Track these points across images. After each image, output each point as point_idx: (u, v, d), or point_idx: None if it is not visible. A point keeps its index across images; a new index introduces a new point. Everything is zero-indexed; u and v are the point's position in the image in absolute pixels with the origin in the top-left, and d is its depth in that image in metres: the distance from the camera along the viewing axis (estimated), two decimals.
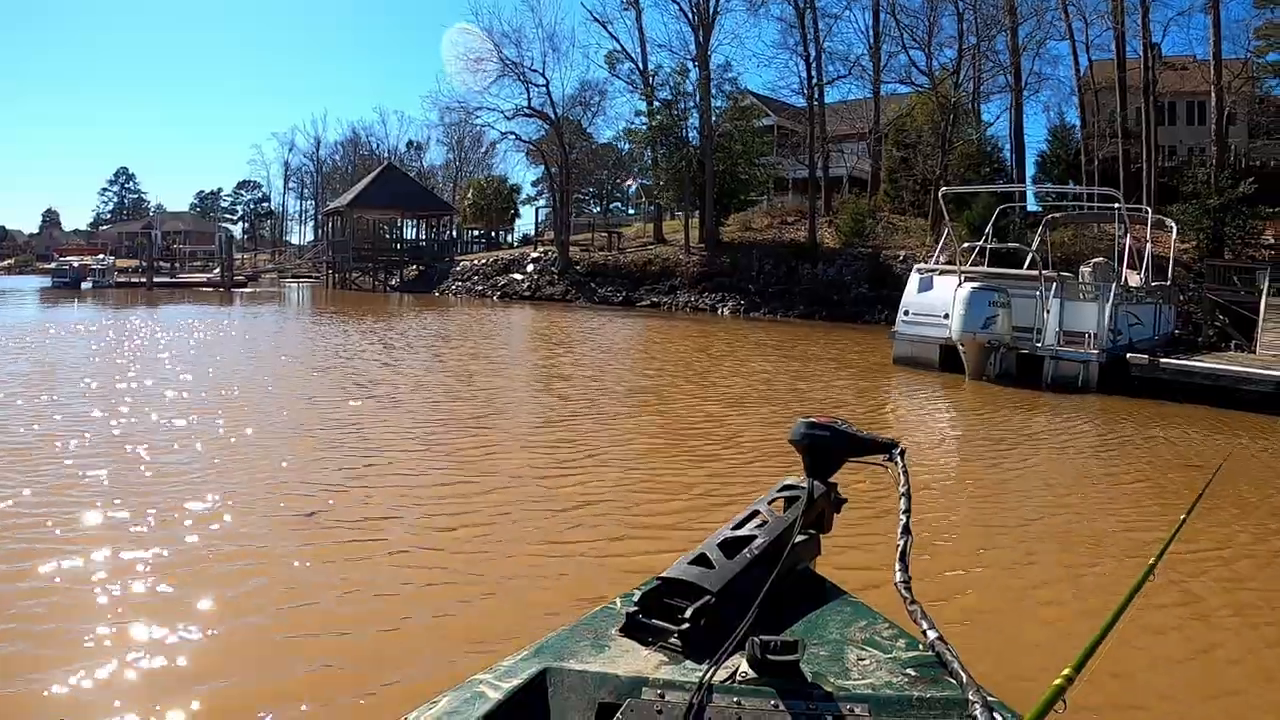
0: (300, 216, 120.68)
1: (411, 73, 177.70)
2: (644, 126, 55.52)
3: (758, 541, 2.60)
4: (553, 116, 56.23)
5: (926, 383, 20.93)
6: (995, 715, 1.83)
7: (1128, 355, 20.41)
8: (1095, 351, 20.30)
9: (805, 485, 2.99)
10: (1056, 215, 32.19)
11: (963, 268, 22.96)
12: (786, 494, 2.99)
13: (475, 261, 60.21)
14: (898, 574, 2.59)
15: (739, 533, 2.66)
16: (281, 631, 5.85)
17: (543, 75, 54.96)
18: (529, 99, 55.67)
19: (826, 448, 3.09)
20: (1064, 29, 49.50)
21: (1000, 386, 20.25)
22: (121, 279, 58.73)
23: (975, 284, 21.26)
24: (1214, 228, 36.87)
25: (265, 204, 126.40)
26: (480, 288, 55.49)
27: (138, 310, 35.61)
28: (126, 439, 11.07)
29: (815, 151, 50.89)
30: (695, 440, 12.55)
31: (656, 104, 53.76)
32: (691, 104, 53.04)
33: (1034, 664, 5.54)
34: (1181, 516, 3.08)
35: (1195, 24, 53.53)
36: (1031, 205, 43.41)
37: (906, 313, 23.44)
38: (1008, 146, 51.41)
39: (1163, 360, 19.94)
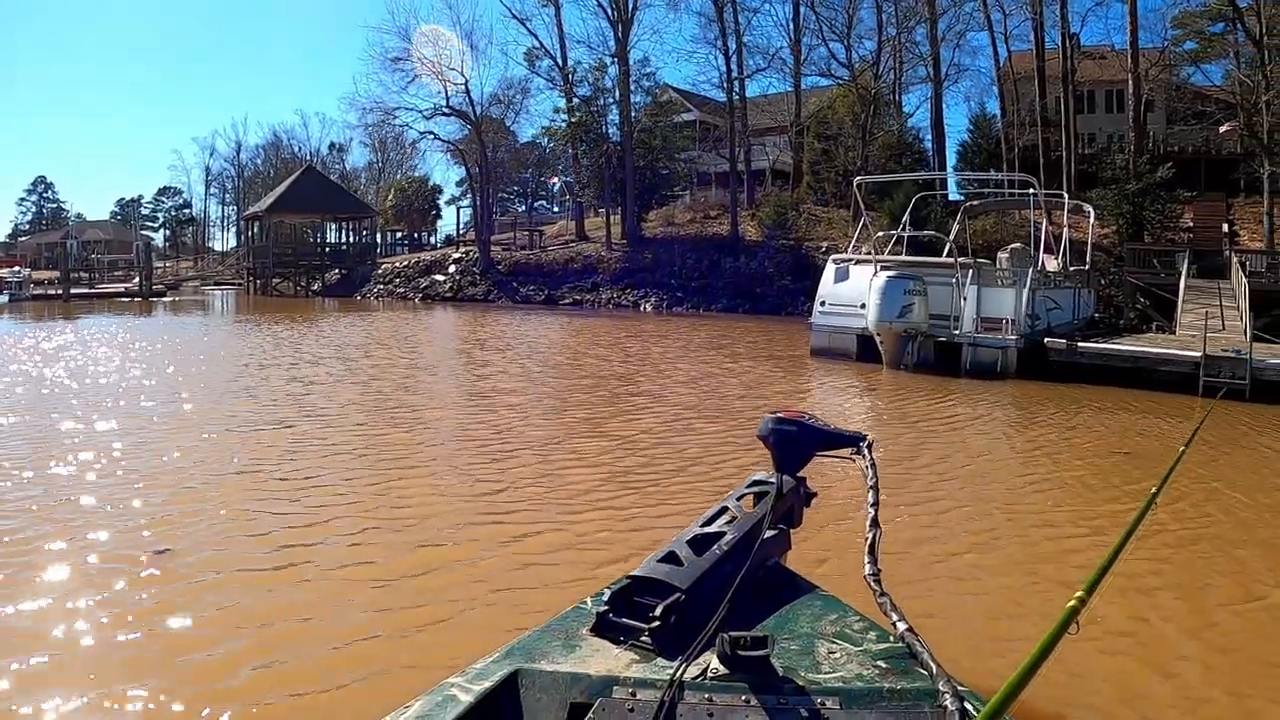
0: (223, 222, 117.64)
1: (332, 74, 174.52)
2: (563, 124, 54.92)
3: (727, 538, 2.65)
4: (472, 115, 55.34)
5: (844, 374, 20.43)
6: (966, 705, 1.89)
7: (1045, 340, 20.10)
8: (1013, 337, 20.02)
9: (774, 480, 3.06)
10: (975, 203, 31.98)
11: (879, 257, 22.58)
12: (756, 489, 3.06)
13: (397, 264, 59.43)
14: (867, 567, 2.67)
15: (708, 529, 2.72)
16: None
17: (461, 74, 54.10)
18: (447, 98, 54.89)
19: (794, 442, 3.21)
20: (983, 20, 49.90)
21: (918, 375, 19.88)
22: (38, 291, 56.89)
23: (891, 273, 20.93)
24: (1133, 212, 37.00)
25: (187, 210, 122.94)
26: (402, 290, 54.69)
27: (52, 323, 33.80)
28: None
29: (736, 145, 50.71)
30: (648, 473, 10.23)
31: (576, 101, 53.23)
32: (611, 100, 52.74)
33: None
34: (1181, 448, 3.07)
35: (1113, 14, 54.39)
36: (954, 194, 43.45)
37: (823, 304, 23.05)
38: (929, 137, 51.64)
39: (1080, 344, 19.69)
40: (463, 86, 54.56)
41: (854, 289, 22.11)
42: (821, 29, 50.54)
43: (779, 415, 3.33)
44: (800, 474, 3.25)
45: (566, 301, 46.81)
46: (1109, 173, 39.13)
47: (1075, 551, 7.77)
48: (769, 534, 2.80)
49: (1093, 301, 28.20)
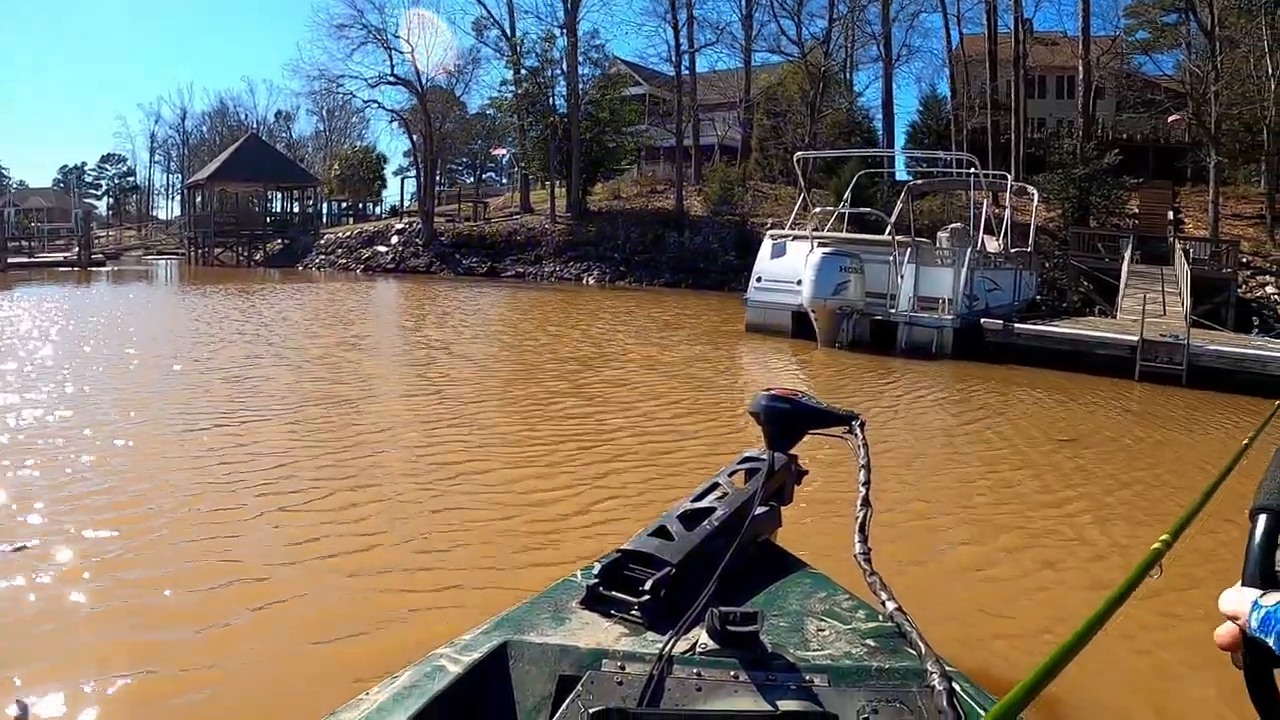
0: (167, 191, 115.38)
1: (280, 40, 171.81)
2: (510, 95, 54.08)
3: (718, 513, 2.60)
4: (418, 85, 54.36)
5: (776, 350, 20.07)
6: (954, 685, 1.85)
7: (982, 320, 19.79)
8: (950, 317, 19.74)
9: (766, 457, 3.01)
10: (918, 182, 31.75)
11: (816, 233, 22.25)
12: (747, 466, 3.01)
13: (340, 234, 58.25)
14: (857, 545, 2.61)
15: (699, 505, 2.66)
16: None
17: (407, 41, 53.05)
18: (391, 66, 53.86)
19: (787, 419, 3.17)
20: (936, 1, 49.66)
21: (852, 353, 19.55)
22: None
23: (827, 250, 20.54)
24: (1079, 197, 37.18)
25: (130, 178, 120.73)
26: (344, 261, 53.64)
27: None
28: None
29: (683, 119, 50.37)
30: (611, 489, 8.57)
31: (523, 72, 52.33)
32: (559, 72, 51.79)
33: None
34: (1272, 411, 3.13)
35: (1066, 0, 54.41)
36: (901, 174, 43.40)
37: (759, 280, 22.68)
38: (879, 117, 51.61)
39: (1017, 325, 19.44)
40: (409, 55, 53.67)
41: (790, 265, 21.72)
42: (772, 4, 50.29)
43: (772, 392, 3.25)
44: (792, 451, 3.20)
45: (509, 274, 46.23)
46: (1056, 157, 39.20)
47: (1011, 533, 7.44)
48: (760, 511, 2.73)
49: (1035, 284, 28.19)
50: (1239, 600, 0.97)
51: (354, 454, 9.49)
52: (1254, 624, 0.93)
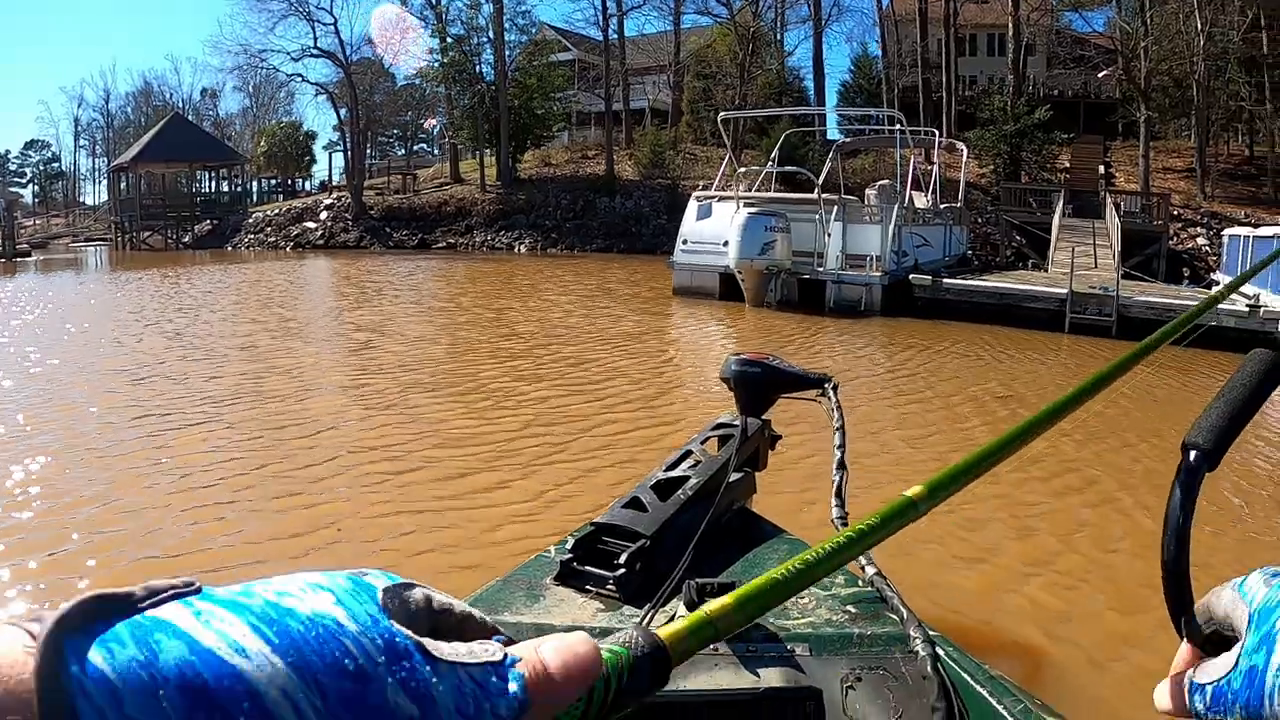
0: (94, 176, 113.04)
1: (202, 16, 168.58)
2: (436, 64, 53.06)
3: (691, 482, 2.51)
4: (342, 57, 53.31)
5: (705, 313, 19.64)
6: (938, 650, 1.86)
7: (910, 276, 19.53)
8: (878, 274, 19.43)
9: (739, 423, 2.95)
10: (846, 140, 31.53)
11: (741, 194, 21.89)
12: (719, 433, 2.95)
13: (268, 212, 56.98)
14: (834, 510, 2.57)
15: (672, 474, 2.59)
16: None
17: (330, 13, 51.99)
18: (315, 39, 52.84)
19: (759, 384, 3.08)
20: None
21: (781, 313, 19.21)
22: None
23: (752, 210, 20.15)
24: (1010, 152, 37.28)
25: (55, 164, 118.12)
26: (273, 239, 52.59)
27: None
28: None
29: (612, 83, 49.97)
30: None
31: (449, 40, 51.39)
32: (485, 39, 51.06)
33: None
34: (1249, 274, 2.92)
35: None
36: (833, 134, 43.28)
37: (685, 242, 22.30)
38: (811, 78, 51.33)
39: (945, 280, 19.18)
40: (332, 27, 52.65)
41: (716, 227, 21.37)
42: None
43: (743, 357, 3.09)
44: (765, 416, 3.06)
45: (440, 245, 45.72)
46: (988, 114, 39.33)
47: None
48: (734, 478, 2.63)
49: (965, 239, 28.08)
50: (1174, 690, 0.76)
51: (286, 455, 8.44)
52: (1201, 708, 0.72)
